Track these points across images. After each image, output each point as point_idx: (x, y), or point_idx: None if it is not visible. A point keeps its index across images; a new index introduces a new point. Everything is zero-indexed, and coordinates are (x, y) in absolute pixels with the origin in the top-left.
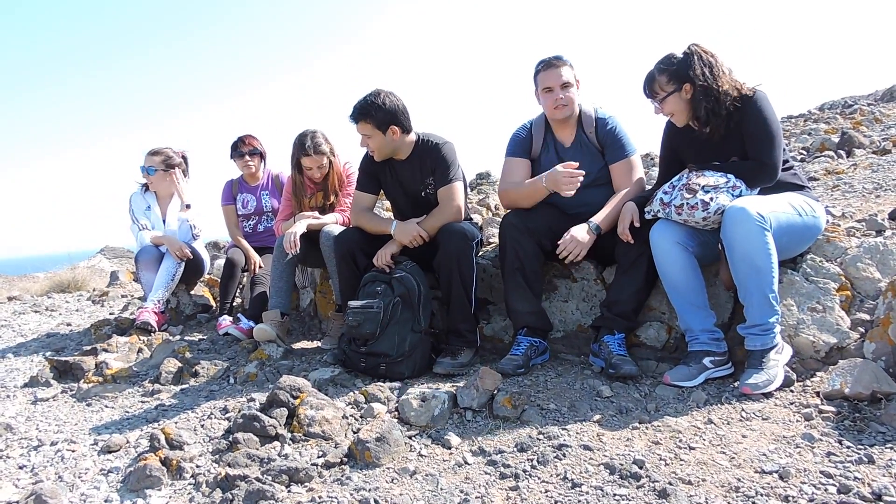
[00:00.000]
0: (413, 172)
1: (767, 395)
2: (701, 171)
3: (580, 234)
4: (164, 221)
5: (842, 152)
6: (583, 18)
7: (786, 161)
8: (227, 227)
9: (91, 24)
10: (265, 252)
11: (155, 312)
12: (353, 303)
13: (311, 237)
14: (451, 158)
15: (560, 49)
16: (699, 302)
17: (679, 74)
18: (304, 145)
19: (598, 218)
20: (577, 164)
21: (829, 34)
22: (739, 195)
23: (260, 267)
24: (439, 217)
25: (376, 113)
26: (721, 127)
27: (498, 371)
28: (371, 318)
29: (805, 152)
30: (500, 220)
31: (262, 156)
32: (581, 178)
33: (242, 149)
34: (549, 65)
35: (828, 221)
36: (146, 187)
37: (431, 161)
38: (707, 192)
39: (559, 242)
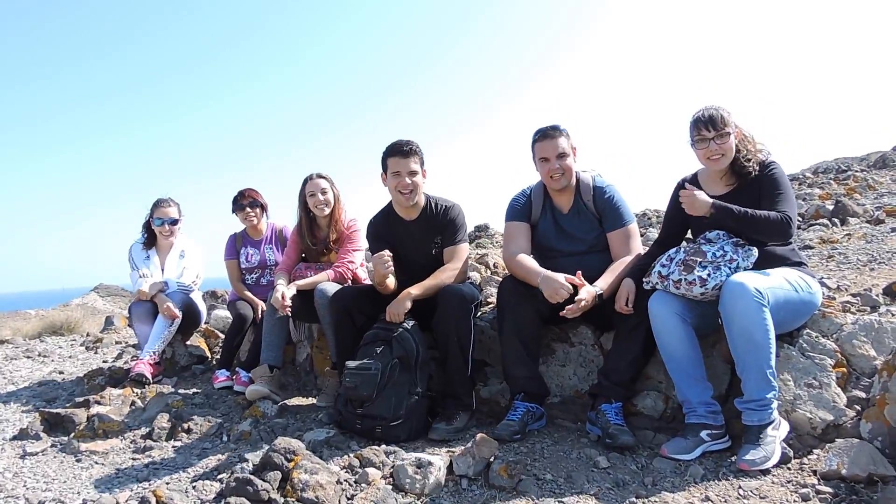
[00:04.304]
0: (423, 233)
1: (765, 472)
2: (698, 246)
3: (588, 294)
4: (162, 270)
5: (836, 220)
6: (580, 80)
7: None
8: (231, 282)
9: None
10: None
11: (150, 364)
12: (350, 363)
13: (306, 293)
14: (461, 221)
15: (555, 115)
16: (697, 374)
17: (732, 121)
18: (309, 174)
19: (601, 284)
20: (580, 283)
21: (822, 96)
22: (736, 269)
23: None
24: (441, 277)
25: (419, 151)
26: (740, 185)
27: (494, 437)
28: (368, 381)
29: (800, 219)
30: (499, 280)
31: (263, 208)
32: (568, 292)
33: (243, 202)
34: (545, 135)
35: (823, 294)
36: (146, 238)
37: (440, 222)
38: (704, 268)
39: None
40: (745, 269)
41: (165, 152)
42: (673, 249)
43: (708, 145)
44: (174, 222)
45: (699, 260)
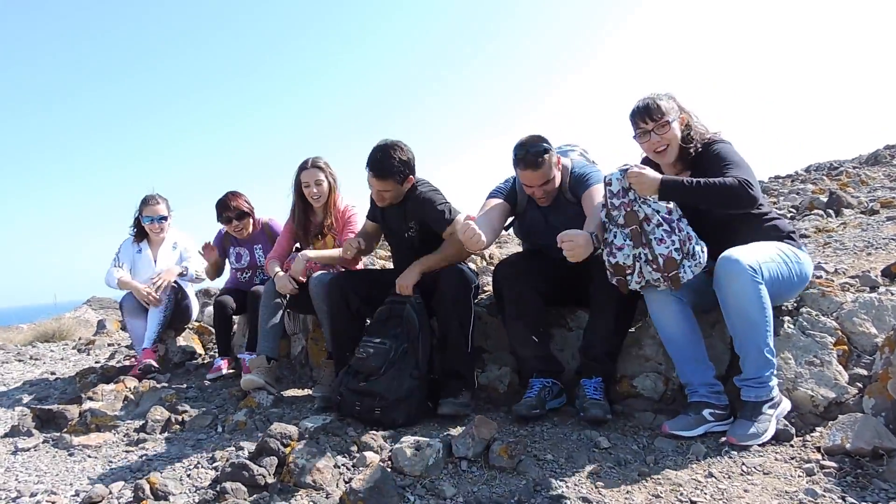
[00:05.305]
0: (399, 216)
1: (762, 446)
2: (647, 239)
3: (578, 234)
4: (154, 262)
5: (830, 211)
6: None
7: (768, 212)
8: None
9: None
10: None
11: (154, 350)
12: (367, 338)
13: (301, 284)
14: (439, 199)
15: (554, 128)
16: (697, 355)
17: (673, 107)
18: (304, 161)
19: (590, 227)
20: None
21: (816, 100)
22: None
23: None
24: (447, 251)
25: (399, 168)
26: (687, 167)
27: (516, 416)
28: (380, 354)
29: (794, 210)
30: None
31: (250, 215)
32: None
33: (228, 214)
34: (527, 165)
35: (820, 277)
36: (138, 235)
37: (417, 208)
38: (683, 265)
39: (559, 237)
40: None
41: (158, 167)
42: (629, 254)
43: (649, 137)
44: (163, 219)
45: (671, 257)
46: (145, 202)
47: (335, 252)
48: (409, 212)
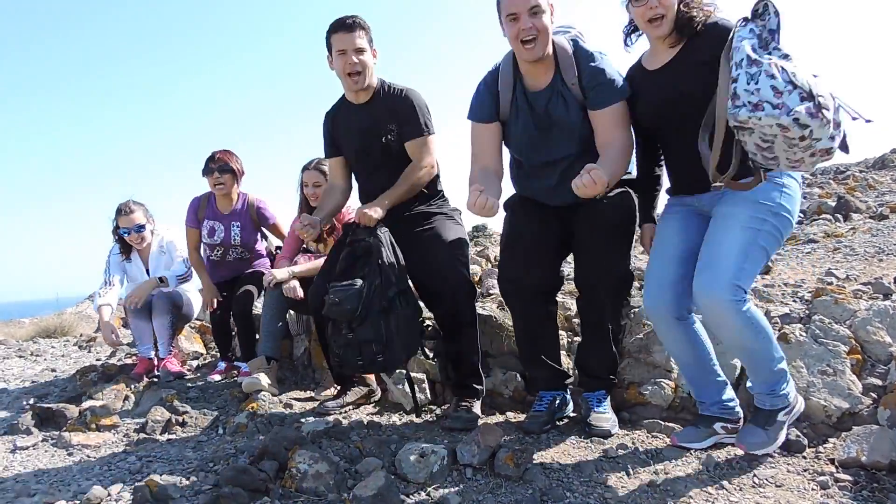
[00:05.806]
0: (374, 117)
1: (774, 457)
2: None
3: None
4: (146, 270)
5: (839, 216)
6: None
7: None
8: (188, 252)
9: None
10: (241, 283)
11: (172, 355)
12: (334, 283)
13: (306, 284)
14: (423, 105)
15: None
16: (708, 374)
17: None
18: (309, 161)
19: (607, 170)
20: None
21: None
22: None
23: (220, 302)
24: (411, 179)
25: (366, 26)
26: (685, 45)
27: (524, 431)
28: (353, 295)
29: (802, 214)
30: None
31: (235, 174)
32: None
33: (212, 165)
34: None
35: (832, 283)
36: (123, 248)
37: (397, 105)
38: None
39: (574, 182)
40: None
41: (160, 154)
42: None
43: (647, 1)
44: (140, 228)
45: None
46: (119, 213)
47: (320, 262)
48: (388, 110)
